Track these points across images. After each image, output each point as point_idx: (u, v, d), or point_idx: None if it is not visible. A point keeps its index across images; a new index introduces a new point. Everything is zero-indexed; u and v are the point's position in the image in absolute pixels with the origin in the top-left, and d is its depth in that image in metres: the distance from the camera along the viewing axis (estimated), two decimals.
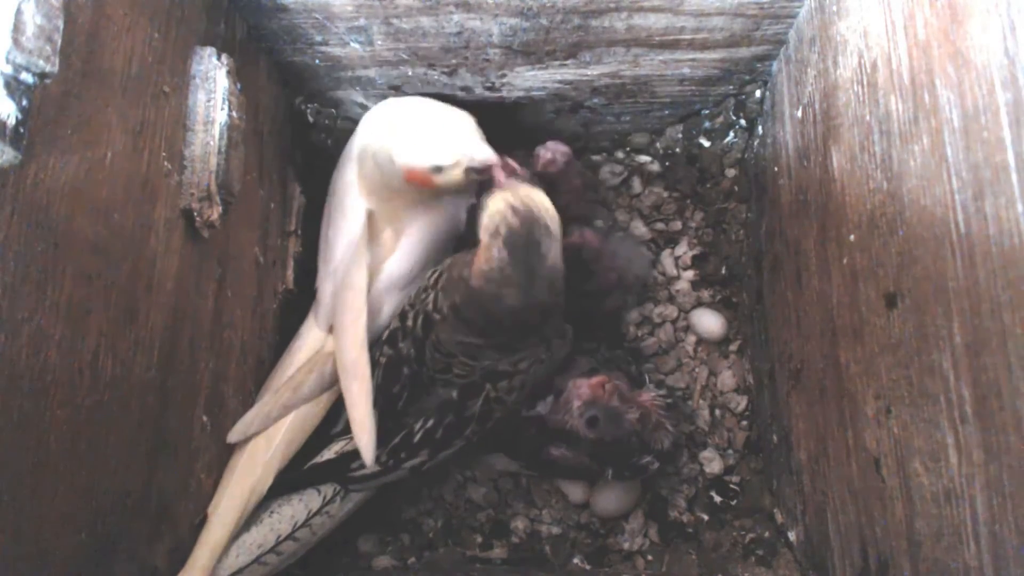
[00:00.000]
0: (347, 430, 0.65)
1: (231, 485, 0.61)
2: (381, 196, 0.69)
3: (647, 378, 0.77)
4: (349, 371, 0.63)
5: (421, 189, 0.67)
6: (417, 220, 0.70)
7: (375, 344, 0.67)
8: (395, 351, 0.65)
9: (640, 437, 0.67)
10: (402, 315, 0.66)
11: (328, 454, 0.66)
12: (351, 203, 0.70)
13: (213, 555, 0.57)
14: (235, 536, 0.60)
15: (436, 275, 0.65)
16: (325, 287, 0.70)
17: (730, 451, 0.77)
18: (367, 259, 0.68)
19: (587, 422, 0.65)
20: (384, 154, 0.66)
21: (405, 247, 0.70)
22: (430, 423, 0.64)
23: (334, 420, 0.68)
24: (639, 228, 0.84)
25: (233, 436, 0.62)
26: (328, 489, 0.65)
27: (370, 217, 0.69)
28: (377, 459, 0.63)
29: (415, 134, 0.65)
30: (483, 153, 0.64)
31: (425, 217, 0.70)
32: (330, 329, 0.69)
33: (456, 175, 0.65)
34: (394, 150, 0.65)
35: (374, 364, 0.65)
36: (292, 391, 0.65)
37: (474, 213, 0.70)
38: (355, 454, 0.64)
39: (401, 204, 0.70)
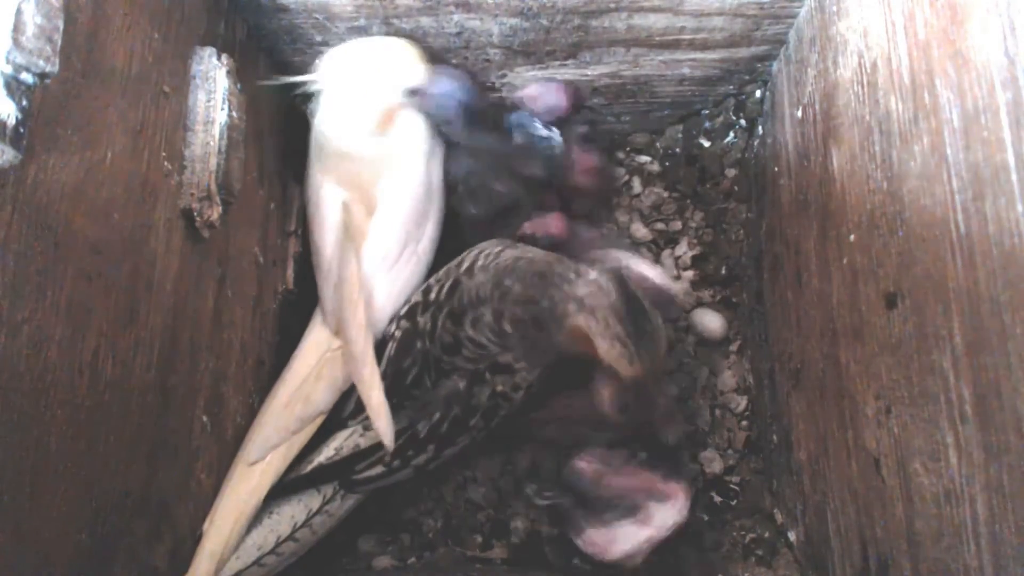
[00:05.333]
0: (357, 411, 0.65)
1: (227, 493, 0.60)
2: (348, 182, 0.69)
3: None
4: (359, 360, 0.63)
5: (382, 149, 0.68)
6: (385, 197, 0.69)
7: (391, 320, 0.67)
8: (412, 324, 0.65)
9: (654, 429, 0.68)
10: (426, 289, 0.67)
11: (328, 451, 0.65)
12: (326, 197, 0.70)
13: (211, 566, 0.57)
14: (236, 545, 0.60)
15: (486, 258, 0.65)
16: (324, 289, 0.70)
17: (730, 451, 0.77)
18: (354, 249, 0.67)
19: (620, 410, 0.64)
20: (323, 135, 0.67)
21: (377, 227, 0.69)
22: (436, 416, 0.63)
23: (343, 405, 0.67)
24: (639, 229, 0.84)
25: (253, 454, 0.62)
26: (328, 488, 0.65)
27: (347, 206, 0.69)
28: (382, 459, 0.63)
29: (337, 103, 0.66)
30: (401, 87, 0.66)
31: (392, 192, 0.70)
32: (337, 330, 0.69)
33: (391, 108, 0.66)
34: (326, 128, 0.66)
35: (389, 337, 0.66)
36: (304, 403, 0.65)
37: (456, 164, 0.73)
38: (359, 456, 0.64)
39: (368, 183, 0.69)
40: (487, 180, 0.73)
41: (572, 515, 0.65)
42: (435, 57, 0.71)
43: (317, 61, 0.67)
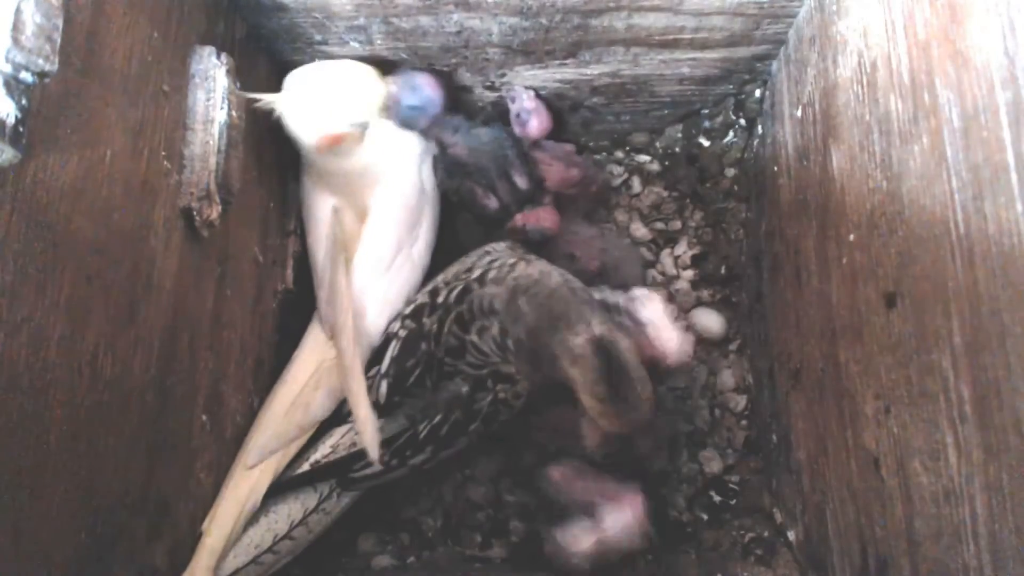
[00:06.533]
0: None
1: (227, 493, 0.60)
2: (339, 188, 0.69)
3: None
4: (347, 371, 0.63)
5: (367, 158, 0.68)
6: (376, 202, 0.69)
7: (395, 319, 0.68)
8: (417, 325, 0.65)
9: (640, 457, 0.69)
10: (433, 291, 0.67)
11: (324, 448, 0.65)
12: (316, 203, 0.70)
13: (211, 561, 0.57)
14: (234, 542, 0.60)
15: (498, 265, 0.66)
16: (319, 294, 0.70)
17: (729, 450, 0.77)
18: (344, 258, 0.67)
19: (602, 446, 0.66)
20: (298, 140, 0.66)
21: (369, 234, 0.69)
22: (437, 419, 0.63)
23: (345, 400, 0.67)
24: (639, 228, 0.84)
25: (252, 459, 0.62)
26: (324, 486, 0.65)
27: (339, 212, 0.69)
28: (380, 458, 0.63)
29: (311, 103, 0.65)
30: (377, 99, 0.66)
31: (383, 197, 0.70)
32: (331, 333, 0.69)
33: (370, 115, 0.66)
34: (299, 133, 0.65)
35: (393, 337, 0.66)
36: (303, 411, 0.65)
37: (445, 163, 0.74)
38: (356, 455, 0.64)
39: (358, 189, 0.69)
40: (475, 192, 0.75)
41: (536, 516, 0.68)
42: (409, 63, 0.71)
43: (286, 80, 0.66)
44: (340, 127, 0.65)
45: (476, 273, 0.65)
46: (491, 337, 0.62)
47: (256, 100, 0.63)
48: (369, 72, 0.66)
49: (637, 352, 0.59)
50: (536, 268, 0.64)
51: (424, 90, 0.71)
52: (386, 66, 0.70)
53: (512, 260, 0.65)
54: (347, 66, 0.66)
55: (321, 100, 0.65)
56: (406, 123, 0.71)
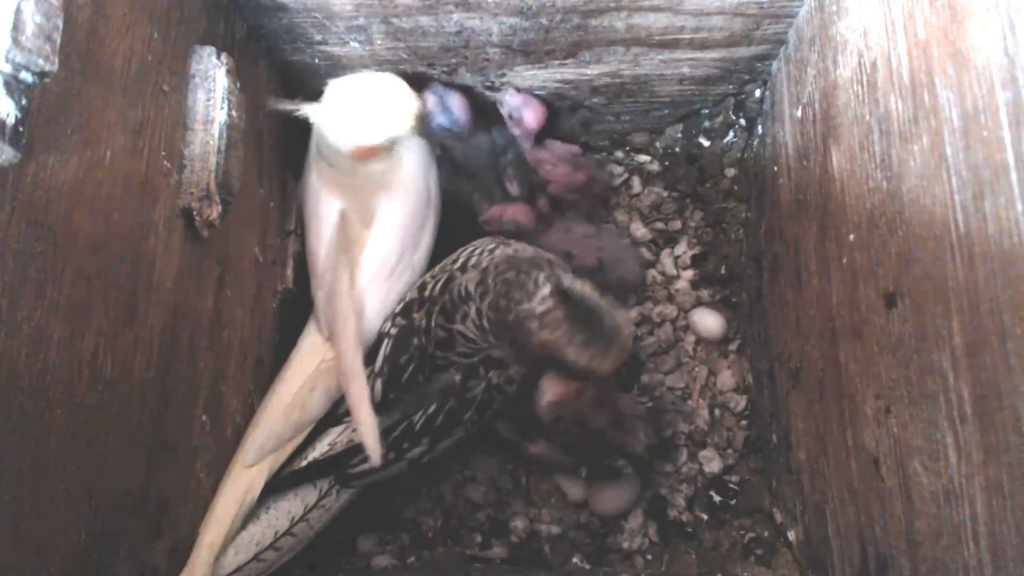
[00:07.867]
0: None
1: (224, 492, 0.60)
2: (346, 190, 0.69)
3: (639, 380, 0.78)
4: (348, 375, 0.63)
5: (380, 165, 0.68)
6: (384, 207, 0.69)
7: (387, 319, 0.68)
8: (408, 321, 0.66)
9: (610, 440, 0.69)
10: (421, 286, 0.67)
11: (322, 446, 0.65)
12: (323, 204, 0.70)
13: (210, 556, 0.57)
14: (232, 537, 0.60)
15: (477, 255, 0.66)
16: (317, 295, 0.70)
17: (729, 451, 0.77)
18: (348, 259, 0.67)
19: (552, 420, 0.68)
20: (329, 143, 0.67)
21: (375, 238, 0.69)
22: (432, 409, 0.64)
23: (338, 402, 0.67)
24: (639, 228, 0.84)
25: (250, 459, 0.62)
26: (324, 483, 0.65)
27: (344, 215, 0.69)
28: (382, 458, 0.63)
29: (349, 114, 0.66)
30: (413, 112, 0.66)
31: (391, 202, 0.70)
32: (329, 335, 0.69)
33: (404, 130, 0.67)
34: (335, 137, 0.66)
35: (385, 335, 0.66)
36: (300, 410, 0.65)
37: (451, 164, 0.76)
38: (353, 451, 0.64)
39: (366, 192, 0.69)
40: (472, 198, 0.77)
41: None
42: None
43: (325, 90, 0.67)
44: (375, 139, 0.66)
45: (459, 263, 0.66)
46: (471, 321, 0.62)
47: (292, 109, 0.65)
48: (405, 88, 0.66)
49: (596, 287, 0.59)
50: (512, 248, 0.64)
51: (456, 112, 0.73)
52: (412, 81, 0.70)
53: (492, 245, 0.66)
54: (386, 80, 0.67)
55: (359, 113, 0.65)
56: (431, 137, 0.73)
